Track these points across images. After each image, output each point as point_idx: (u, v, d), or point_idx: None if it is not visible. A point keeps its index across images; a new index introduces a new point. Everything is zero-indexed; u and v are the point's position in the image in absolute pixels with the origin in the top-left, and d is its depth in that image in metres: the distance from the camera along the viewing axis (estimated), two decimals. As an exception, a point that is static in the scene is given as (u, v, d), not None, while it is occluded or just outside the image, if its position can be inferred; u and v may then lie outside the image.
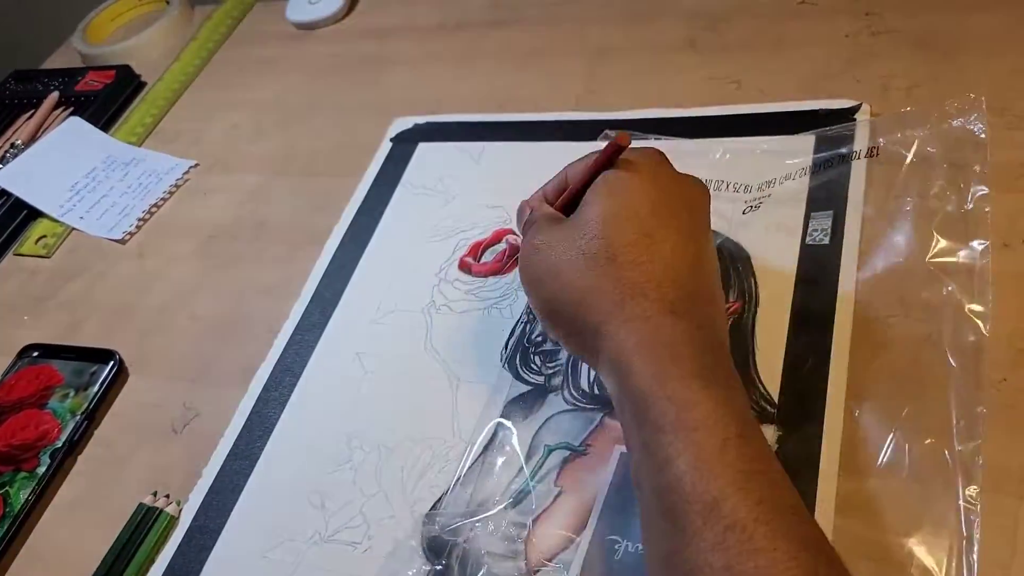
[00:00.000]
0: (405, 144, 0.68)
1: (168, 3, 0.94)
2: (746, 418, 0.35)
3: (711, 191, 0.44)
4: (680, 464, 0.33)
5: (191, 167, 0.75)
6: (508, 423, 0.48)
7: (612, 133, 0.57)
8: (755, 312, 0.48)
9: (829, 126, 0.54)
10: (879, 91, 0.57)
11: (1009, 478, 0.39)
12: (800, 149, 0.54)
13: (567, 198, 0.45)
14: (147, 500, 0.51)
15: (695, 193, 0.43)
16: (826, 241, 0.49)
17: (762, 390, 0.44)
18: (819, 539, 0.32)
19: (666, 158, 0.44)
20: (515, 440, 0.47)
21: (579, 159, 0.45)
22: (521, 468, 0.46)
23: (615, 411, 0.39)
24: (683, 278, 0.39)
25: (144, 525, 0.50)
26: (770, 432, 0.43)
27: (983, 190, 0.48)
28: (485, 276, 0.56)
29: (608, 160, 0.42)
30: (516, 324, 0.52)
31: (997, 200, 0.47)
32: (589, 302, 0.39)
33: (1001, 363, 0.42)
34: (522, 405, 0.49)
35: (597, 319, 0.39)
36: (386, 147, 0.68)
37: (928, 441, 0.40)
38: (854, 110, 0.55)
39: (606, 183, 0.42)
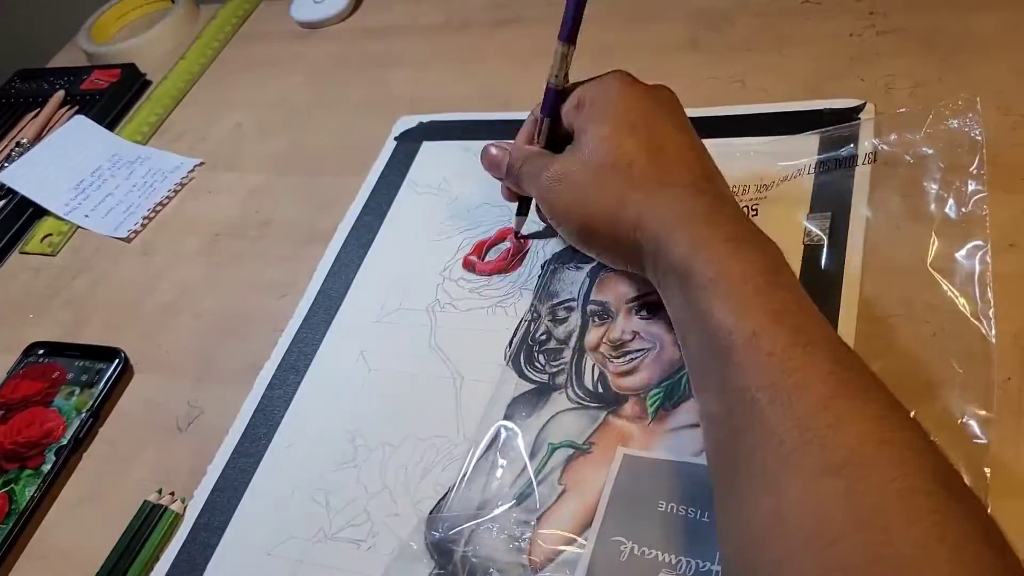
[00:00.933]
0: (409, 143, 0.68)
1: (173, 2, 0.94)
2: (775, 268, 0.39)
3: None
4: (721, 311, 0.37)
5: (196, 165, 0.75)
6: (511, 424, 0.48)
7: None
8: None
9: (833, 125, 0.54)
10: (883, 91, 0.57)
11: (1014, 478, 0.39)
12: (803, 151, 0.54)
13: (547, 132, 0.51)
14: (152, 497, 0.51)
15: (667, 95, 0.48)
16: (824, 242, 0.49)
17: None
18: (852, 358, 0.36)
19: (630, 74, 0.49)
20: (519, 440, 0.47)
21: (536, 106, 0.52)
22: (525, 467, 0.46)
23: (663, 298, 0.43)
24: (694, 163, 0.45)
25: (149, 522, 0.50)
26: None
27: (981, 192, 0.47)
28: (489, 274, 0.56)
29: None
30: (520, 322, 0.53)
31: (1003, 200, 0.47)
32: (622, 206, 0.44)
33: (1007, 363, 0.42)
34: (526, 403, 0.49)
35: (633, 217, 0.43)
36: (390, 146, 0.68)
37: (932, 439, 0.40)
38: (858, 109, 0.55)
39: (593, 108, 0.47)
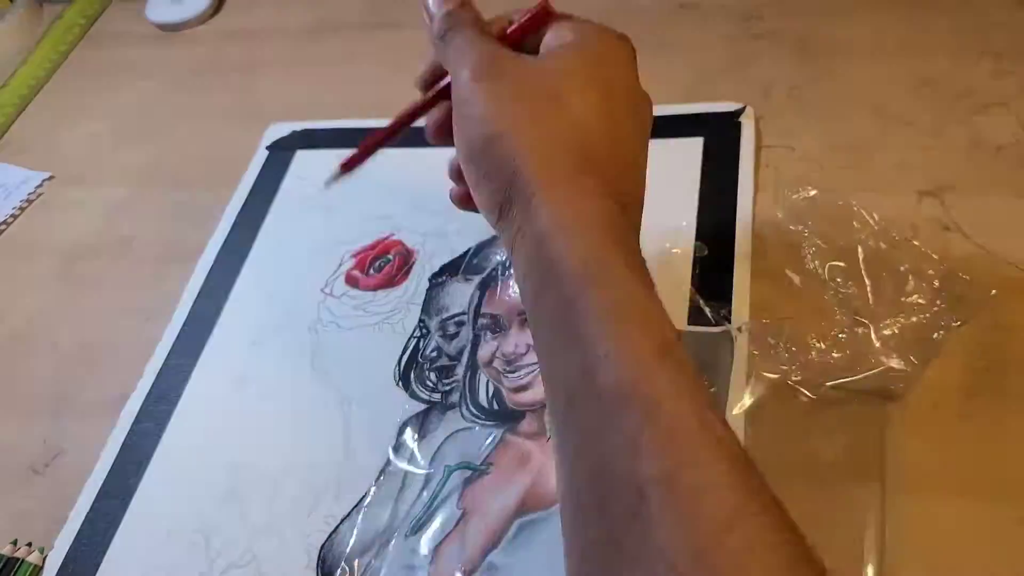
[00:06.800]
0: (282, 152, 0.64)
1: (12, 2, 0.86)
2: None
3: None
4: (613, 362, 0.28)
5: (45, 180, 0.69)
6: (406, 444, 0.46)
7: None
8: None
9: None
10: (761, 94, 0.57)
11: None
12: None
13: (516, 35, 0.39)
14: (6, 550, 0.47)
15: (645, 96, 0.39)
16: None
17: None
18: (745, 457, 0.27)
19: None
20: (413, 462, 0.45)
21: None
22: (421, 492, 0.44)
23: (520, 295, 0.35)
24: (638, 172, 0.36)
25: (3, 579, 0.45)
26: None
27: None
28: (374, 290, 0.54)
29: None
30: (409, 339, 0.50)
31: (876, 201, 0.49)
32: (529, 162, 0.34)
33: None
34: (418, 424, 0.47)
35: (532, 185, 0.34)
36: (262, 155, 0.64)
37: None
38: (738, 113, 0.56)
39: (588, 42, 0.38)
